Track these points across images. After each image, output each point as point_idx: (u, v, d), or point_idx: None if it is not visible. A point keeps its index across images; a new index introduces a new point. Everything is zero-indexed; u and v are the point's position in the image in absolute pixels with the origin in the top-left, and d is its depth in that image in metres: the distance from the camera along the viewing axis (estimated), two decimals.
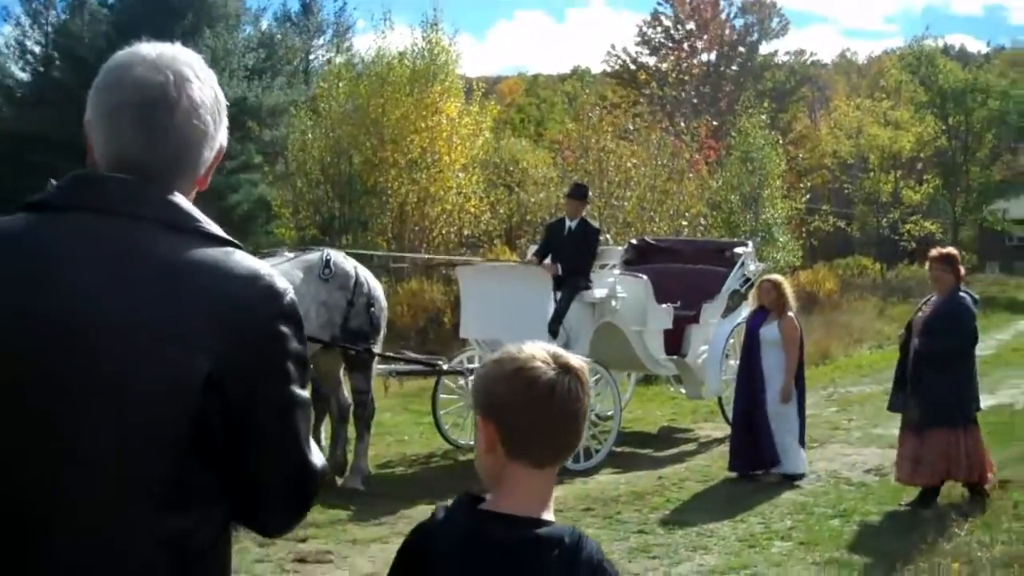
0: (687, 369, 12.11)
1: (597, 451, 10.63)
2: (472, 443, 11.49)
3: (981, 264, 43.11)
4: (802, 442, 9.86)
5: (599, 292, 11.06)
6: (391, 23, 23.64)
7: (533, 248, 12.23)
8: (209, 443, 1.77)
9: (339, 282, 9.09)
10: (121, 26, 42.47)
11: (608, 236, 19.69)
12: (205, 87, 1.92)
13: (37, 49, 48.23)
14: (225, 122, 1.99)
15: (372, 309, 9.30)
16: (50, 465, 1.72)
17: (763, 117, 30.13)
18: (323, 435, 10.47)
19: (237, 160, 43.78)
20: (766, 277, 10.13)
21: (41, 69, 47.51)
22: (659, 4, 43.44)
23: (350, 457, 9.72)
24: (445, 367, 10.91)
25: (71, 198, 1.85)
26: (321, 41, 52.50)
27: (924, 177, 41.15)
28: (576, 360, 2.03)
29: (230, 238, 1.89)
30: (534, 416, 1.96)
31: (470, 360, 11.42)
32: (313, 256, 9.18)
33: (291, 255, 9.22)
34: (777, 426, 9.61)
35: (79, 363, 1.72)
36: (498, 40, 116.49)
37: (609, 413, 11.25)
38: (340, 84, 23.78)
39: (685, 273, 12.55)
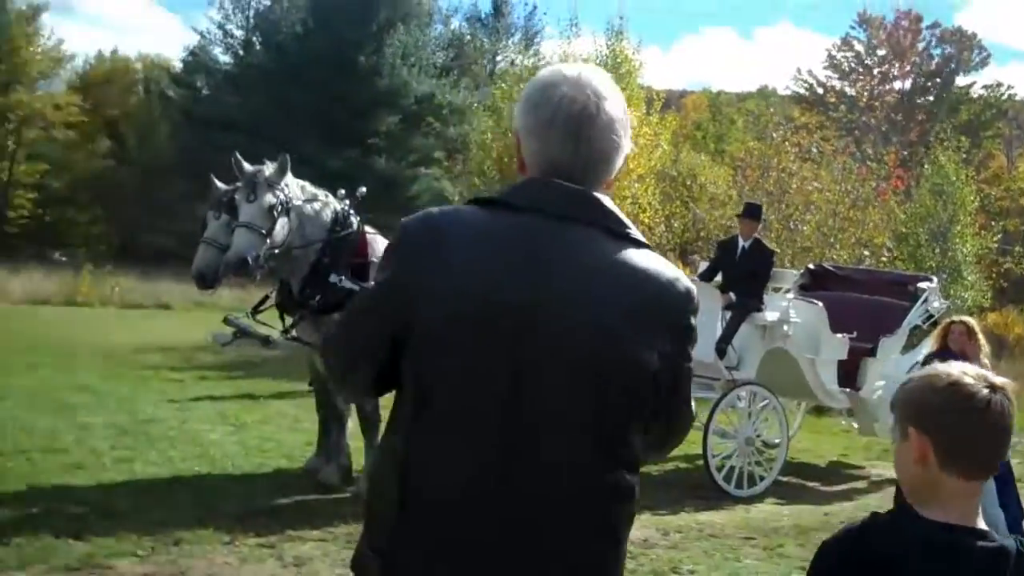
0: (861, 403, 11.56)
1: (761, 479, 10.27)
2: None
3: None
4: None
5: (771, 315, 10.67)
6: (577, 29, 23.53)
7: (704, 265, 11.94)
8: (644, 413, 2.21)
9: None
10: (318, 15, 43.71)
11: (783, 259, 19.13)
12: (617, 104, 2.25)
13: (239, 33, 50.00)
14: (630, 132, 2.30)
15: None
16: (526, 421, 2.09)
17: (960, 150, 28.91)
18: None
19: (419, 154, 44.62)
20: (958, 319, 9.17)
21: (241, 53, 49.30)
22: (852, 28, 42.29)
23: None
24: None
25: (529, 200, 2.19)
26: (509, 44, 52.71)
27: None
28: (1000, 379, 2.13)
29: (647, 242, 2.25)
30: (972, 429, 2.08)
31: None
32: None
33: None
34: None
35: (554, 341, 2.09)
36: (683, 54, 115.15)
37: (776, 440, 10.85)
38: (521, 86, 23.72)
39: (863, 304, 12.00)
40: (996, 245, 31.30)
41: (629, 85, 22.35)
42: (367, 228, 8.59)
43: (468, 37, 50.16)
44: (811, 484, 11.13)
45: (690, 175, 25.29)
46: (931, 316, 12.20)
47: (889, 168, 26.55)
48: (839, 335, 11.15)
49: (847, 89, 42.30)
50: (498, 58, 52.47)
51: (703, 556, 7.79)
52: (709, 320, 10.25)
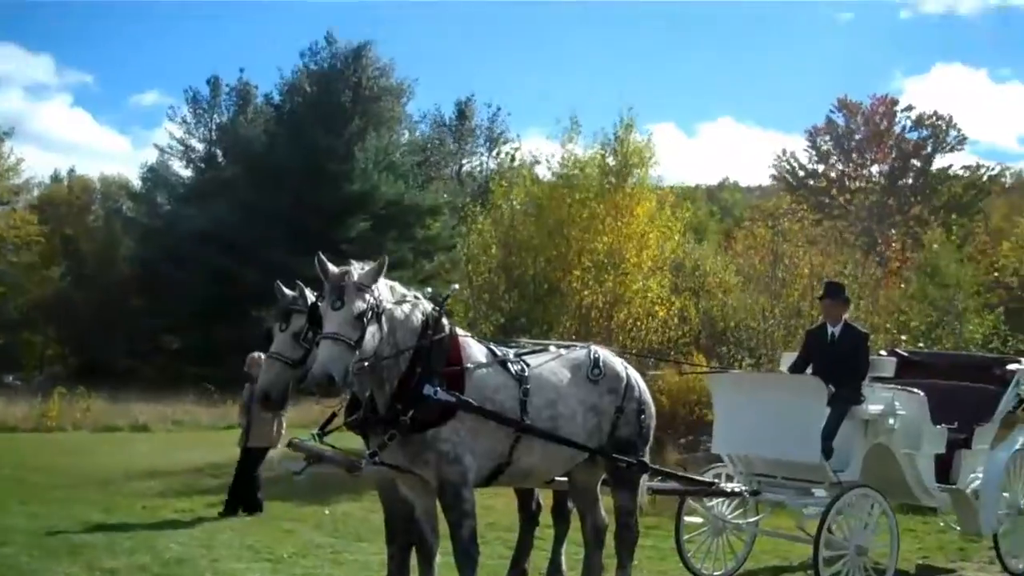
0: (963, 499, 10.55)
1: None
2: (717, 574, 10.17)
3: None
4: None
5: (874, 408, 9.67)
6: (578, 127, 22.93)
7: (788, 358, 10.93)
8: None
9: (609, 384, 7.95)
10: (287, 125, 43.39)
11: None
12: None
13: (200, 147, 49.61)
14: None
15: (642, 416, 8.13)
16: None
17: (943, 230, 28.63)
18: (563, 559, 9.31)
19: (391, 257, 43.80)
20: None
21: (203, 166, 48.73)
22: (831, 112, 42.41)
23: None
24: (727, 488, 9.65)
25: None
26: (475, 147, 52.80)
27: None
28: None
29: None
30: None
31: (716, 477, 10.15)
32: (580, 354, 8.08)
33: (558, 351, 8.14)
34: None
35: None
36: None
37: (885, 549, 9.69)
38: (520, 186, 23.09)
39: (954, 391, 11.04)
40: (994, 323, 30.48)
41: (641, 178, 21.73)
42: (458, 331, 7.55)
43: (436, 141, 50.01)
44: None
45: (695, 266, 24.66)
46: (1022, 400, 11.29)
47: (888, 252, 26.07)
48: (939, 427, 10.19)
49: (827, 173, 42.27)
50: (464, 160, 52.37)
51: None
52: (814, 415, 9.27)
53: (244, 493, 13.54)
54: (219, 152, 48.77)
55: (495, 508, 12.29)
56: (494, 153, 52.10)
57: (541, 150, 25.43)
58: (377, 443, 7.11)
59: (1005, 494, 10.75)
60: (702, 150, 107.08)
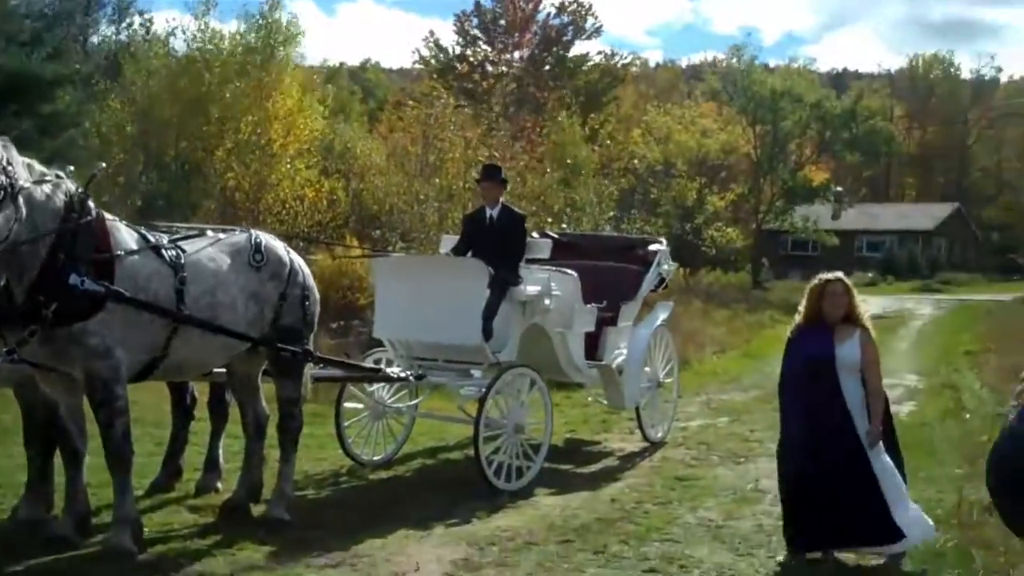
0: (610, 375, 11.05)
1: (529, 468, 9.47)
2: (378, 459, 10.15)
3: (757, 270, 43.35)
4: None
5: (531, 289, 9.85)
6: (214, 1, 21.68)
7: (450, 240, 10.89)
8: None
9: (272, 270, 7.56)
10: None
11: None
12: None
13: None
14: None
15: (307, 303, 7.82)
16: None
17: (570, 114, 29.84)
18: (220, 453, 8.95)
19: (10, 134, 40.11)
20: (832, 276, 7.16)
21: None
22: None
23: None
24: (396, 374, 9.51)
25: None
26: (102, 16, 48.89)
27: (729, 184, 41.82)
28: None
29: None
30: None
31: (376, 362, 10.05)
32: (240, 239, 7.60)
33: (216, 236, 7.62)
34: (887, 482, 6.96)
35: None
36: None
37: (539, 426, 10.01)
38: (154, 59, 21.61)
39: (601, 271, 11.44)
40: (615, 204, 32.06)
41: (287, 57, 20.94)
42: (106, 215, 6.87)
43: (59, 8, 45.87)
44: (564, 467, 10.46)
45: (345, 148, 24.18)
46: (663, 279, 11.93)
47: (534, 137, 26.75)
48: (589, 306, 10.57)
49: (473, 58, 42.64)
50: (90, 31, 48.54)
51: (542, 571, 6.93)
52: (476, 297, 9.34)
53: None
54: None
55: (141, 402, 11.56)
56: (124, 24, 48.92)
57: (177, 22, 24.05)
58: (15, 339, 6.40)
59: (646, 368, 11.40)
60: (343, 30, 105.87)
